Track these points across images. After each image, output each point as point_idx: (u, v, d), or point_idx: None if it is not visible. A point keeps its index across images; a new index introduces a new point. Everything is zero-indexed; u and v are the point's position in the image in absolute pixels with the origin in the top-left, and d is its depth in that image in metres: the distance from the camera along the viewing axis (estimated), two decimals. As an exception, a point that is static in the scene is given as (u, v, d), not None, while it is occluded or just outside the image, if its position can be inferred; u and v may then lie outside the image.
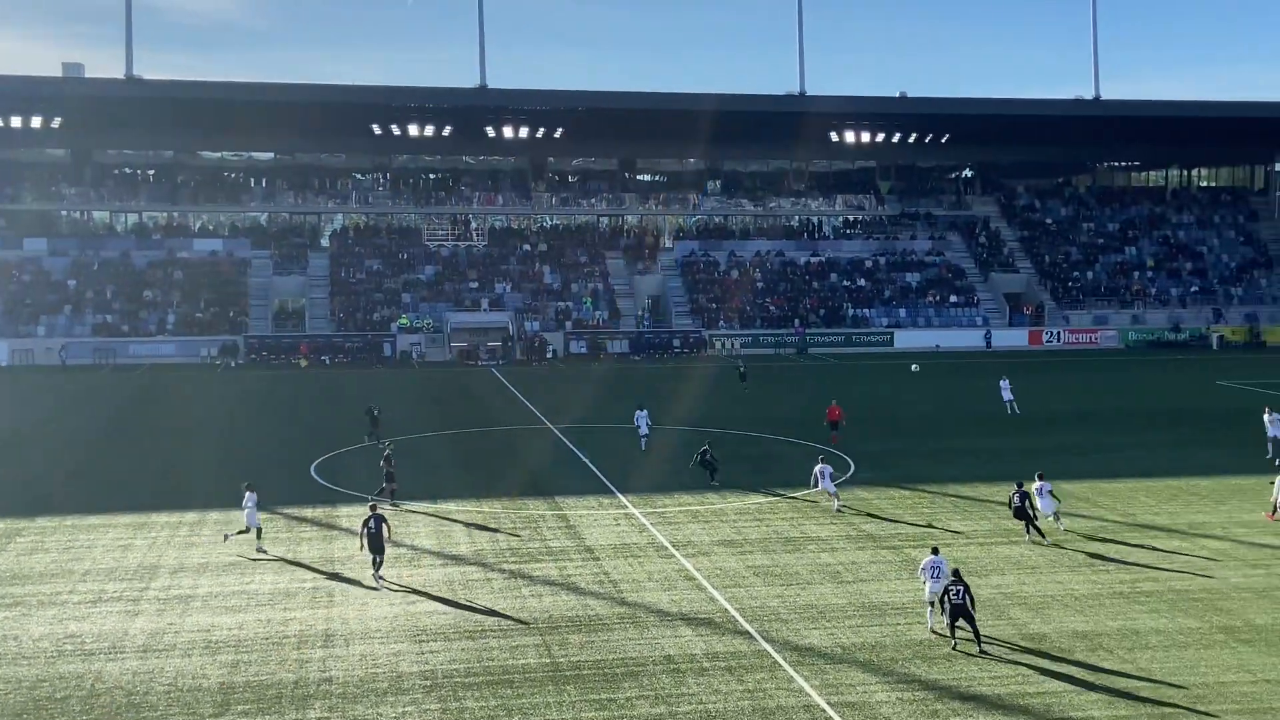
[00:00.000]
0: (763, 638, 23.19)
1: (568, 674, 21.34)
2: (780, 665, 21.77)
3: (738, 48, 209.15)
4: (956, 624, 22.58)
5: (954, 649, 22.34)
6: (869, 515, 33.04)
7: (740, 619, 24.29)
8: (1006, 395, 51.83)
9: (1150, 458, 41.22)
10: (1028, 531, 30.08)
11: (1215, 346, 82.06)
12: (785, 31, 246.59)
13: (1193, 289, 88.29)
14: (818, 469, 33.76)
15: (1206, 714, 19.67)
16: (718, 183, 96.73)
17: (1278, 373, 66.59)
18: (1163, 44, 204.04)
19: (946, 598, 22.67)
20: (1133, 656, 22.17)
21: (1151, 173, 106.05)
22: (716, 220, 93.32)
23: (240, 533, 29.68)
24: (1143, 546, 29.78)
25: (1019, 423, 49.34)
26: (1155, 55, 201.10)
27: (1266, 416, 41.69)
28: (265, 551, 29.23)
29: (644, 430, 42.47)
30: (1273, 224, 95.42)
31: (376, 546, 26.47)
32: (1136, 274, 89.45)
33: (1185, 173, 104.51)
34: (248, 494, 29.71)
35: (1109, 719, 19.51)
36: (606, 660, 22.01)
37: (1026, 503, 29.95)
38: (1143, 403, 55.26)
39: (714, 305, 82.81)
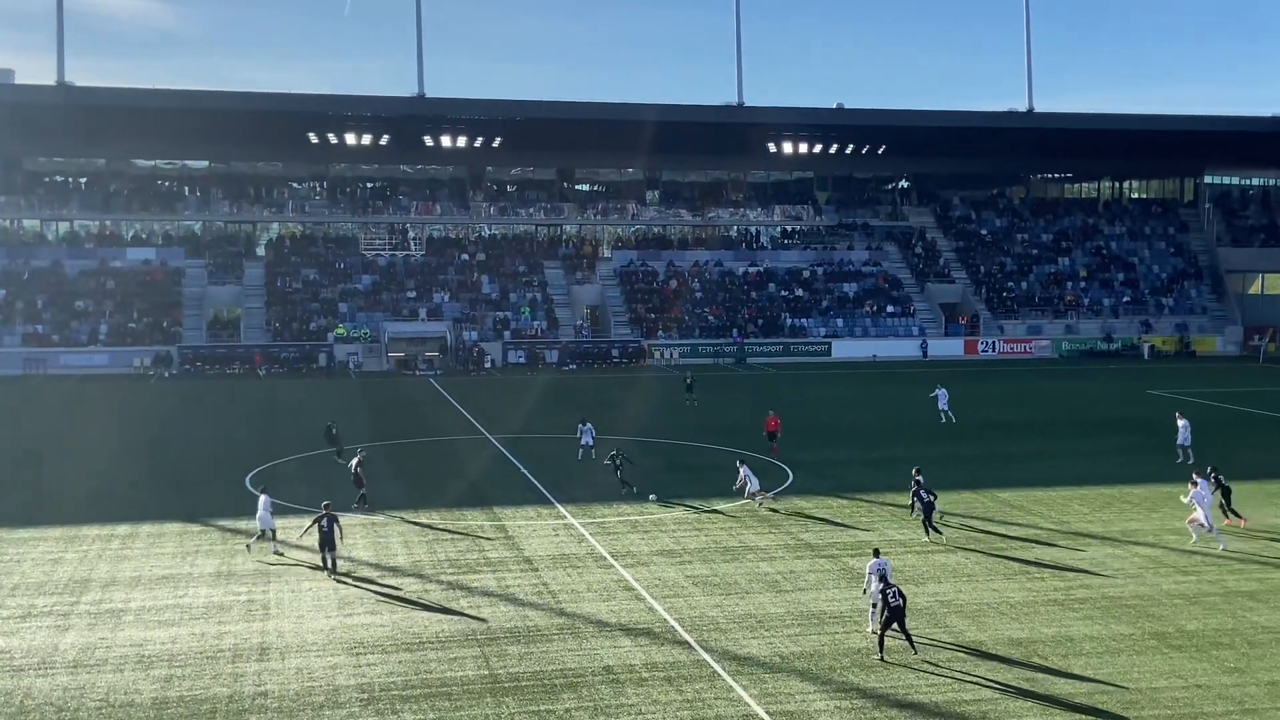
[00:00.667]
0: (702, 647, 23.19)
1: (506, 685, 21.21)
2: (719, 675, 21.78)
3: (676, 59, 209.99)
4: (890, 628, 22.56)
5: (882, 660, 22.33)
6: (807, 523, 33.18)
7: (679, 629, 24.28)
8: (942, 404, 52.38)
9: (1084, 466, 41.80)
10: (927, 529, 31.22)
11: (1146, 356, 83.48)
12: (723, 43, 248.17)
13: (1124, 299, 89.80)
14: (743, 471, 34.96)
15: (1139, 718, 19.94)
16: (656, 193, 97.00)
17: (1207, 382, 67.93)
18: (1095, 58, 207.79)
19: (885, 599, 22.71)
20: (1067, 663, 22.44)
21: (1084, 184, 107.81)
22: (655, 230, 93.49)
23: (259, 538, 29.75)
24: (1077, 553, 30.18)
25: (954, 431, 49.85)
26: (1088, 69, 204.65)
27: (1180, 421, 42.56)
28: (281, 555, 29.48)
29: (587, 441, 42.43)
30: (1201, 235, 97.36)
31: (328, 544, 27.57)
32: (1070, 284, 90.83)
33: (1117, 185, 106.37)
34: (261, 496, 30.16)
35: (1044, 724, 19.72)
36: (545, 671, 21.90)
37: (917, 497, 31.73)
38: (1076, 412, 56.06)
39: (653, 315, 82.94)
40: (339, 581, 27.19)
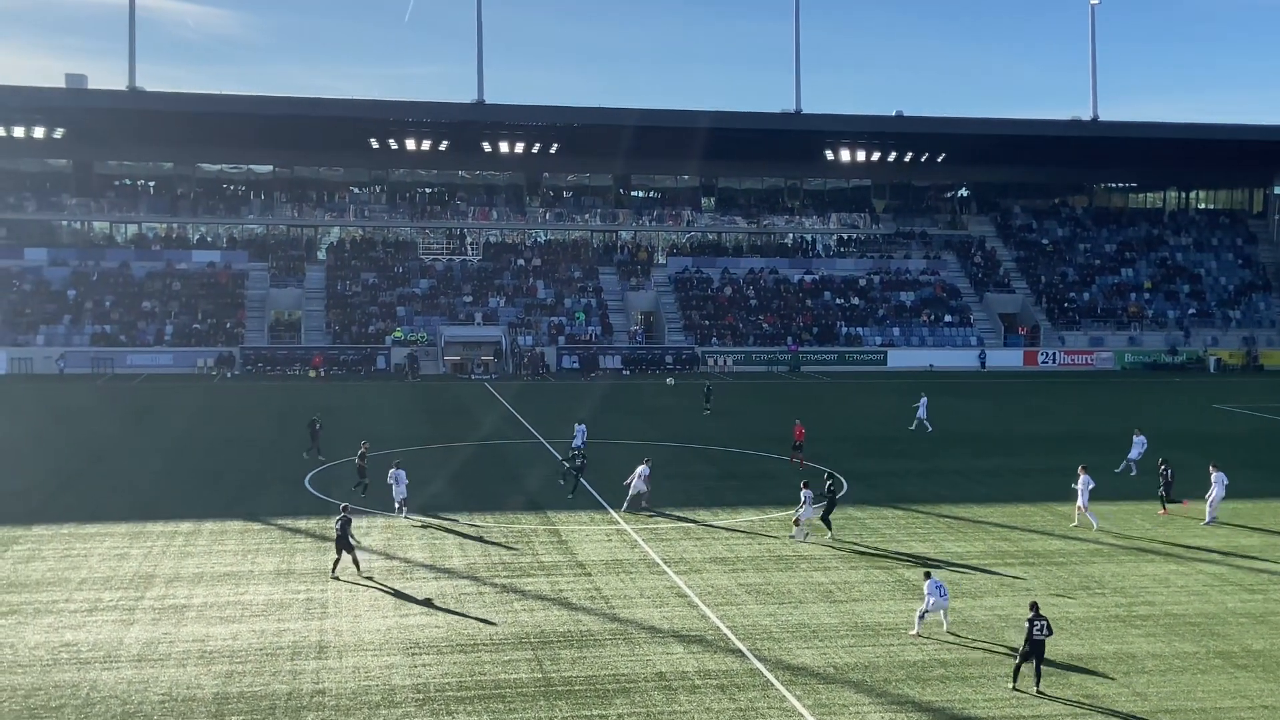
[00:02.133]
0: (755, 656, 23.10)
1: (559, 689, 21.25)
2: (772, 684, 21.68)
3: (734, 65, 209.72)
4: (1028, 661, 21.49)
5: (1013, 688, 21.45)
6: (862, 533, 32.96)
7: (732, 637, 24.20)
8: (921, 413, 51.79)
9: (1145, 481, 41.14)
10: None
11: (1212, 369, 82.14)
12: (782, 49, 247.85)
13: (1190, 311, 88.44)
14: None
15: (1201, 738, 19.61)
16: (712, 199, 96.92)
17: (1275, 396, 66.69)
18: (1161, 66, 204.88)
19: (1030, 632, 21.52)
20: (1129, 680, 22.10)
21: (1149, 194, 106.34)
22: (710, 237, 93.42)
23: (403, 511, 33.57)
24: (1139, 568, 29.71)
25: (1010, 443, 49.30)
26: (1153, 77, 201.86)
27: (1137, 438, 42.06)
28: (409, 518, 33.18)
29: (578, 444, 42.32)
30: (1271, 247, 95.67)
31: (344, 545, 27.91)
32: (1133, 295, 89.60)
33: (1183, 194, 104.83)
34: (394, 470, 33.78)
35: (1103, 742, 19.44)
36: (598, 676, 21.91)
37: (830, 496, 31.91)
38: (1137, 425, 55.18)
39: (707, 322, 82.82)
40: (366, 581, 27.57)
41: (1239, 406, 62.05)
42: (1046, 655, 21.86)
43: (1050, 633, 21.68)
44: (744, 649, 23.48)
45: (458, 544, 31.31)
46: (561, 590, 27.27)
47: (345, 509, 28.50)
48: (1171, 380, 76.53)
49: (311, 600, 26.29)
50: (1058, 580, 28.64)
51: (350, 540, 27.88)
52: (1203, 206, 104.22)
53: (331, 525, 30.02)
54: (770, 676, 22.04)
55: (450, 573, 28.61)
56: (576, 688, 21.34)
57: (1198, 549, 31.79)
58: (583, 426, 43.83)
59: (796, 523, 32.37)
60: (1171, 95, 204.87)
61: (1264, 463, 45.04)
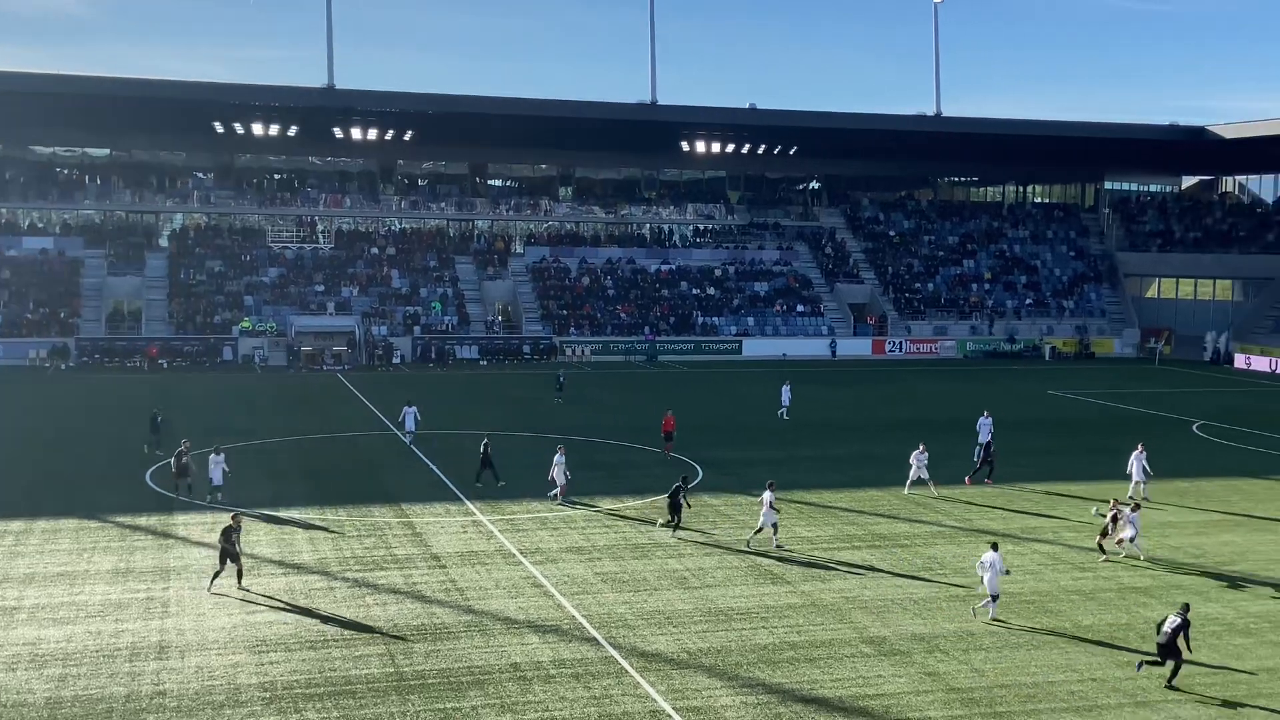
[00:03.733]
0: (610, 644, 23.22)
1: (412, 683, 21.03)
2: (627, 671, 21.83)
3: (590, 56, 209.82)
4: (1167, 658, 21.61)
5: (1169, 685, 21.47)
6: (717, 521, 33.36)
7: (588, 625, 24.28)
8: (785, 400, 52.91)
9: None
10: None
11: (1047, 357, 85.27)
12: (638, 41, 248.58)
13: (1027, 301, 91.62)
14: (558, 462, 35.27)
15: (1035, 711, 20.38)
16: (570, 189, 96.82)
17: (1105, 382, 69.59)
18: (1002, 64, 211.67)
19: (1161, 630, 21.64)
20: (968, 657, 22.85)
21: (989, 188, 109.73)
22: (568, 227, 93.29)
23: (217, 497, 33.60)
24: (978, 550, 30.75)
25: (860, 430, 50.44)
26: (995, 75, 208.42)
27: (984, 420, 43.30)
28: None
29: (410, 426, 43.61)
30: (1101, 239, 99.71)
31: (229, 558, 26.13)
32: (974, 286, 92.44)
33: (1021, 189, 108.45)
34: (214, 456, 34.27)
35: (944, 718, 20.06)
36: (452, 669, 21.76)
37: (681, 497, 31.64)
38: (978, 412, 56.93)
39: (565, 312, 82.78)
40: (242, 591, 25.99)
41: (1072, 392, 64.58)
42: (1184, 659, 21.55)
43: (1185, 636, 21.34)
44: (599, 637, 23.59)
45: (308, 538, 30.72)
46: (415, 583, 26.99)
47: (235, 517, 27.21)
48: (1010, 368, 79.27)
49: (152, 599, 25.50)
50: (902, 562, 29.45)
51: (237, 548, 26.26)
52: (1039, 200, 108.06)
53: (179, 523, 29.23)
54: (625, 663, 22.18)
55: (300, 568, 28.06)
56: (430, 681, 21.16)
57: (1032, 529, 33.02)
58: (413, 409, 44.15)
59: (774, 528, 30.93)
60: (1012, 94, 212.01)
61: (1095, 446, 46.96)
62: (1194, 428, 52.47)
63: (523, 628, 24.09)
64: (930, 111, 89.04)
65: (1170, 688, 21.37)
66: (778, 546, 30.27)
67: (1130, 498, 35.68)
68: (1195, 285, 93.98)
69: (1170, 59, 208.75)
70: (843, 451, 45.10)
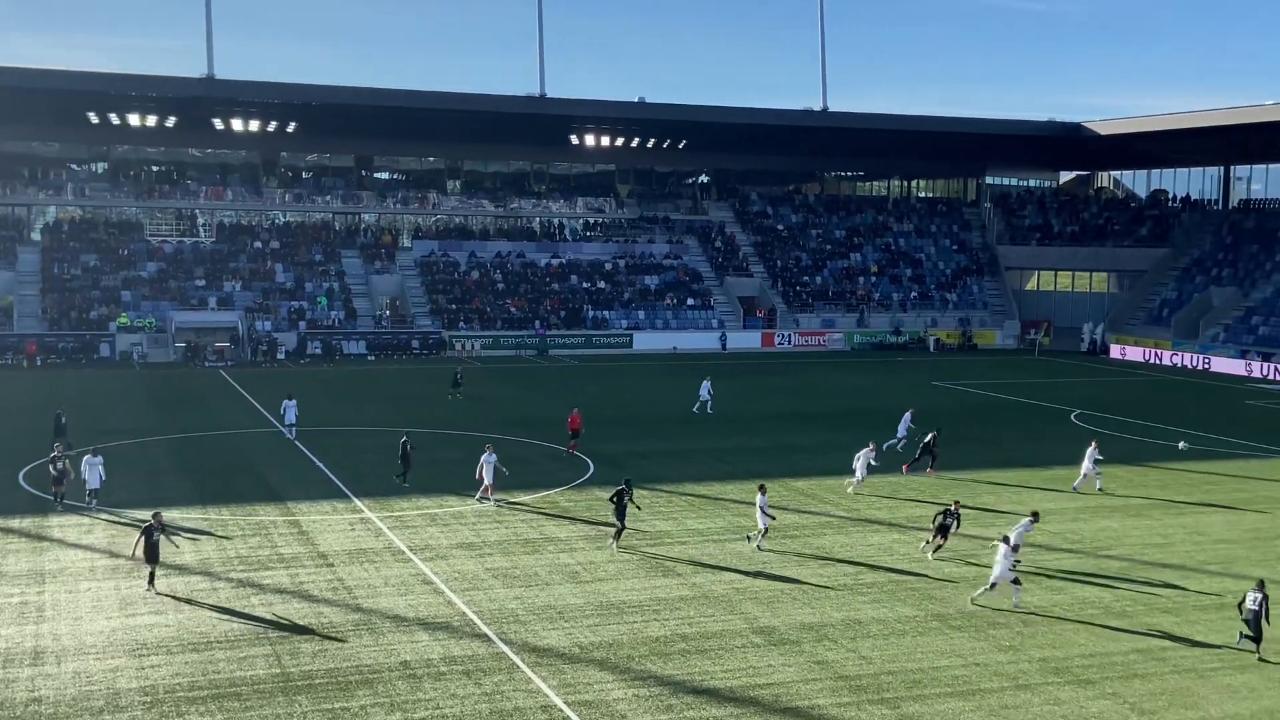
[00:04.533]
0: (501, 640, 23.08)
1: (299, 684, 20.66)
2: (518, 667, 21.72)
3: (478, 47, 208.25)
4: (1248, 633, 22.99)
5: (1259, 659, 22.79)
6: (608, 515, 33.37)
7: (479, 622, 24.11)
8: (704, 395, 53.29)
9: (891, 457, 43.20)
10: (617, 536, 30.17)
11: (932, 349, 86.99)
12: (527, 33, 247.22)
13: (912, 294, 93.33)
14: (486, 460, 34.33)
15: (921, 696, 20.77)
16: (458, 183, 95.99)
17: (986, 373, 71.23)
18: (888, 60, 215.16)
19: (1244, 607, 23.02)
20: (856, 645, 23.20)
21: (875, 183, 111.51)
22: (457, 220, 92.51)
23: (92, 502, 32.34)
24: (865, 538, 31.22)
25: (750, 422, 50.91)
26: (880, 71, 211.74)
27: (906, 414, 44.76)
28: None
29: (290, 419, 43.82)
30: (983, 233, 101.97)
31: (154, 556, 25.65)
32: (861, 279, 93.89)
33: (905, 183, 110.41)
34: (89, 458, 32.70)
35: (833, 706, 20.33)
36: (340, 668, 21.42)
37: (627, 499, 30.03)
38: (863, 403, 57.96)
39: (454, 306, 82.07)
40: (160, 596, 25.39)
41: (955, 383, 65.98)
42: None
43: (1265, 612, 22.70)
44: (490, 633, 23.43)
45: (189, 539, 29.98)
46: (302, 582, 26.52)
47: (156, 516, 26.66)
48: (895, 359, 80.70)
49: (26, 604, 24.66)
50: (792, 552, 29.76)
51: (159, 548, 25.79)
52: (923, 195, 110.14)
53: (55, 525, 28.31)
54: (516, 659, 22.07)
55: (181, 569, 27.37)
56: (317, 681, 20.81)
57: (917, 518, 33.64)
58: (293, 402, 44.04)
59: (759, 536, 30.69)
60: (896, 90, 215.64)
61: (977, 436, 48.06)
62: (1072, 416, 53.96)
63: (413, 625, 23.82)
64: (817, 107, 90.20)
65: (1263, 660, 22.72)
66: (757, 548, 29.94)
67: (1077, 489, 37.59)
68: (1073, 278, 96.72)
69: (1050, 57, 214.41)
70: (733, 444, 45.43)
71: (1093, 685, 21.40)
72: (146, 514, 32.06)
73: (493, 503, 34.36)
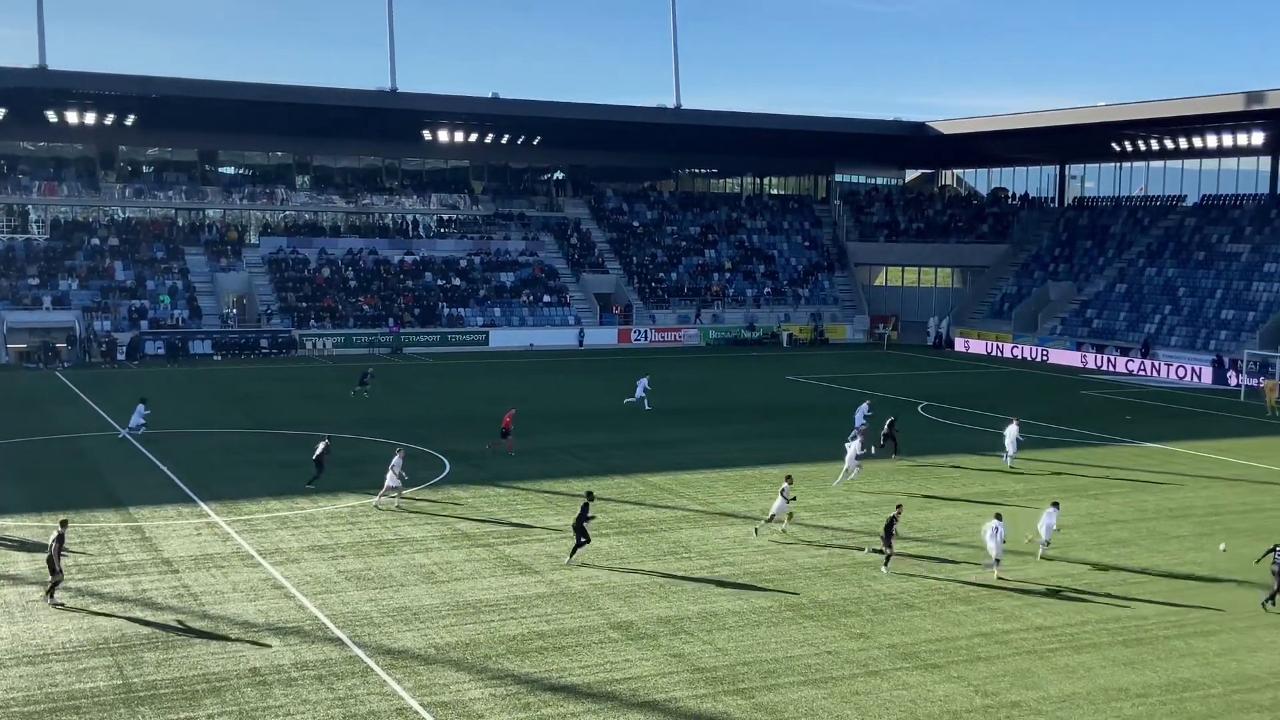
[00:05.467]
0: (355, 643, 22.67)
1: (142, 695, 19.97)
2: (373, 670, 21.37)
3: (328, 41, 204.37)
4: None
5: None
6: (465, 512, 33.06)
7: (331, 625, 23.64)
8: (640, 393, 53.80)
9: (728, 449, 43.77)
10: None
11: (785, 344, 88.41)
12: (377, 27, 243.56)
13: (765, 290, 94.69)
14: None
15: (776, 686, 21.07)
16: (307, 178, 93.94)
17: (837, 367, 72.67)
18: (740, 59, 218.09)
19: (1273, 560, 25.98)
20: (712, 637, 23.41)
21: (728, 180, 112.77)
22: (306, 216, 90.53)
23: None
24: (721, 532, 31.55)
25: (607, 419, 51.03)
26: (733, 70, 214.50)
27: (862, 405, 45.98)
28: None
29: (137, 422, 42.93)
30: (833, 230, 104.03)
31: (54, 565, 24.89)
32: (715, 275, 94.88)
33: (758, 180, 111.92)
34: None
35: (690, 698, 20.49)
36: (186, 677, 20.78)
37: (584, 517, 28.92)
38: (719, 398, 58.63)
39: (305, 304, 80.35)
40: (56, 606, 24.51)
41: (807, 377, 67.18)
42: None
43: None
44: (344, 637, 23.00)
45: (24, 548, 28.72)
46: (145, 590, 25.64)
47: (64, 523, 25.61)
48: (750, 354, 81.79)
49: None
50: (649, 547, 29.92)
51: (58, 557, 24.81)
52: (775, 192, 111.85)
53: None
54: (370, 662, 21.71)
55: (15, 580, 26.22)
56: (161, 691, 20.14)
57: (770, 510, 34.11)
58: (142, 405, 43.12)
59: (772, 519, 31.35)
60: (749, 88, 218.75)
61: (828, 430, 48.98)
62: (919, 408, 55.41)
63: (262, 631, 23.23)
64: (671, 104, 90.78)
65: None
66: (783, 530, 31.44)
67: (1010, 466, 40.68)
68: (919, 273, 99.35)
69: (898, 59, 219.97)
70: (591, 440, 45.46)
71: (939, 669, 21.99)
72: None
73: (381, 501, 33.75)
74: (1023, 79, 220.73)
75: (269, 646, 22.37)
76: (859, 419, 44.58)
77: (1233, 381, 65.75)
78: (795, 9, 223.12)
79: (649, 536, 30.98)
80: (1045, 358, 78.77)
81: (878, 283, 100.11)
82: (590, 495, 29.58)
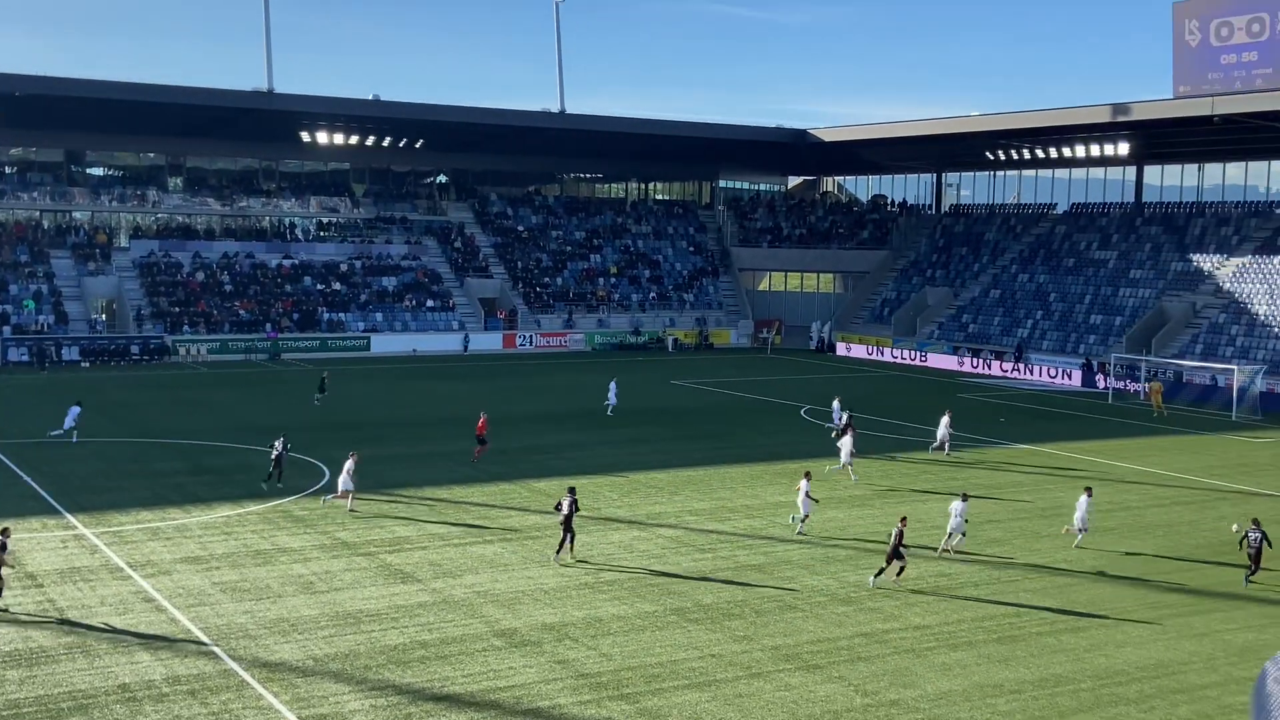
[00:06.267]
0: (229, 656, 22.07)
1: (5, 715, 19.15)
2: (248, 683, 20.81)
3: (203, 40, 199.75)
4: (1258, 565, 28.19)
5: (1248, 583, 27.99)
6: (345, 521, 32.48)
7: (205, 638, 22.99)
8: (611, 398, 54.14)
9: (614, 454, 43.75)
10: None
11: (670, 348, 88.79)
12: (254, 26, 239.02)
13: (651, 295, 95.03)
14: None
15: (660, 690, 21.05)
16: (180, 180, 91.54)
17: (722, 372, 73.21)
18: (625, 65, 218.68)
19: (1246, 541, 28.08)
20: (597, 643, 23.32)
21: (613, 185, 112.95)
22: (180, 219, 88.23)
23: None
24: (607, 536, 31.48)
25: (494, 424, 50.52)
26: (619, 74, 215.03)
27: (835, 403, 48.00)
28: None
29: (69, 424, 42.93)
30: (717, 235, 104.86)
31: None
32: (601, 280, 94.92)
33: (643, 186, 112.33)
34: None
35: (574, 704, 20.36)
36: (51, 695, 19.99)
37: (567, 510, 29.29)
38: (605, 403, 58.52)
39: (178, 309, 78.30)
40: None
41: (693, 381, 67.55)
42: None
43: (1263, 543, 28.05)
44: (218, 650, 22.38)
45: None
46: (8, 606, 24.61)
47: (5, 531, 24.69)
48: (636, 359, 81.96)
49: None
50: (534, 553, 29.72)
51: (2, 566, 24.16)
52: (660, 197, 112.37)
53: None
54: (246, 675, 21.15)
55: None
56: (25, 710, 19.35)
57: (658, 513, 34.19)
58: (78, 408, 43.64)
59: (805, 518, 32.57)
60: (634, 93, 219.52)
61: (713, 433, 49.33)
62: (802, 411, 56.06)
63: (132, 645, 22.48)
64: (555, 108, 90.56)
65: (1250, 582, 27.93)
66: (799, 533, 32.23)
67: (944, 452, 43.95)
68: (801, 278, 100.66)
69: (782, 66, 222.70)
70: (473, 446, 45.01)
71: (821, 670, 22.21)
72: None
73: (351, 502, 33.97)
74: (902, 88, 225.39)
75: (139, 661, 21.66)
76: (836, 417, 47.39)
77: (1101, 384, 67.85)
78: (680, 15, 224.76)
79: (534, 542, 30.77)
80: (924, 361, 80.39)
81: (762, 288, 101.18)
82: (572, 491, 29.82)
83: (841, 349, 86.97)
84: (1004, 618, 25.49)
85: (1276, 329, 67.81)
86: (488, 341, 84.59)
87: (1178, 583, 28.42)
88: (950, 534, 30.31)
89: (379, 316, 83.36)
